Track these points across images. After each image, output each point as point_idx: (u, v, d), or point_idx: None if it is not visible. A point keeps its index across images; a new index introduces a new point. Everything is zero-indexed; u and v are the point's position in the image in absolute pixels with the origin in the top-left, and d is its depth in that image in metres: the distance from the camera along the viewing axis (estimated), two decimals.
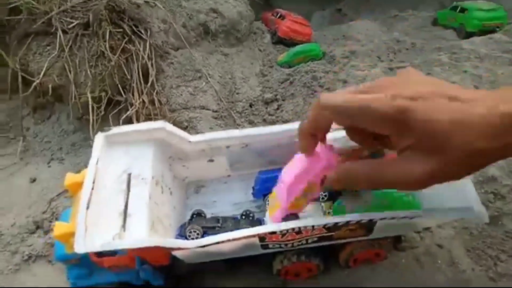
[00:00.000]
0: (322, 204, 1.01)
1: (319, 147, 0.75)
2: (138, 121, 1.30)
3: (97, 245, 0.73)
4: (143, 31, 1.45)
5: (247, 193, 1.07)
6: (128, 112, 1.31)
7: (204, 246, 0.78)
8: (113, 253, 0.86)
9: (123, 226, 0.81)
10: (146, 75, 1.41)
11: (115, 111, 1.35)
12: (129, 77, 1.38)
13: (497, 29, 2.83)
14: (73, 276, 0.95)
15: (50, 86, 1.38)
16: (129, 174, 0.90)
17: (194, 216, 1.02)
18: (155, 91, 1.41)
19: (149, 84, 1.39)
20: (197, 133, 1.02)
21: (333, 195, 0.99)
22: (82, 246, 0.73)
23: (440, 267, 1.03)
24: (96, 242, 0.75)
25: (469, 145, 0.41)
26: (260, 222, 0.98)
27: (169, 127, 0.95)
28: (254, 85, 1.66)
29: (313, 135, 0.55)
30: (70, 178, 0.90)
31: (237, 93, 1.60)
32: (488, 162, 0.44)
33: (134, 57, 1.39)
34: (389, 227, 0.89)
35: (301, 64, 1.69)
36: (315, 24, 2.24)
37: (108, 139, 0.93)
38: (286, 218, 0.84)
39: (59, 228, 0.82)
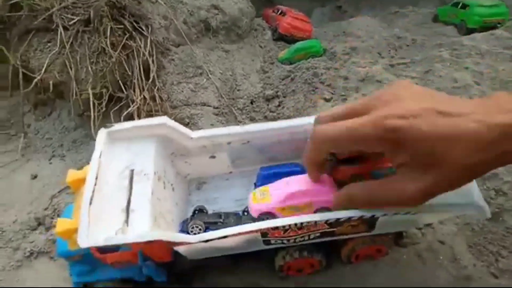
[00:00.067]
0: None
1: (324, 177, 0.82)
2: (139, 117, 1.30)
3: (100, 240, 0.73)
4: (144, 28, 1.45)
5: (248, 189, 1.07)
6: (129, 109, 1.31)
7: (207, 240, 0.78)
8: (115, 249, 0.86)
9: (126, 221, 0.81)
10: (147, 72, 1.41)
11: (116, 107, 1.34)
12: (130, 73, 1.37)
13: (499, 25, 2.83)
14: (75, 272, 0.95)
15: (51, 82, 1.37)
16: (132, 170, 0.90)
17: (196, 212, 1.02)
18: (156, 87, 1.40)
19: (150, 80, 1.39)
20: (198, 129, 1.02)
21: None
22: (85, 240, 0.73)
23: (442, 263, 1.03)
24: (99, 237, 0.75)
25: (464, 159, 0.41)
26: (262, 218, 0.98)
27: (171, 123, 0.95)
28: (255, 81, 1.66)
29: (319, 165, 0.59)
30: (72, 174, 0.91)
31: (238, 90, 1.60)
32: (487, 170, 0.44)
33: (135, 53, 1.39)
34: (391, 223, 0.89)
35: (302, 60, 1.69)
36: (315, 20, 2.23)
37: (110, 135, 0.93)
38: (263, 216, 0.86)
39: (61, 224, 0.82)
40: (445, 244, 1.07)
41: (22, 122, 1.49)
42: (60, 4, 1.41)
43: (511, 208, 1.11)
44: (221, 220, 0.96)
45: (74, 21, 1.40)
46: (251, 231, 0.80)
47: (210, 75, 1.54)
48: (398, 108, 0.44)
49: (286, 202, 0.87)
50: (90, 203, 0.78)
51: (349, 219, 0.82)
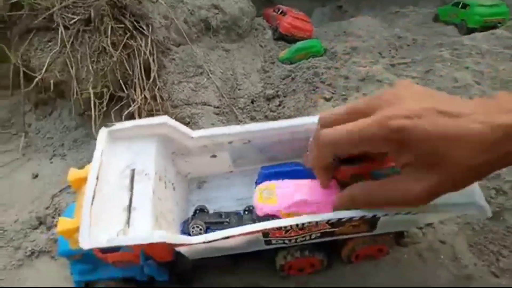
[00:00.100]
0: None
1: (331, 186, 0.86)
2: (140, 117, 1.30)
3: (102, 241, 0.73)
4: (144, 27, 1.45)
5: (249, 188, 1.07)
6: (130, 108, 1.31)
7: (208, 241, 0.78)
8: (117, 249, 0.86)
9: (128, 221, 0.81)
10: (147, 71, 1.41)
11: (117, 107, 1.34)
12: (131, 72, 1.37)
13: (499, 25, 2.82)
14: (76, 271, 0.95)
15: (51, 82, 1.37)
16: (133, 170, 0.90)
17: (197, 212, 1.02)
18: (157, 87, 1.40)
19: (151, 80, 1.39)
20: (199, 129, 1.02)
21: None
22: (87, 242, 0.73)
23: (443, 262, 1.03)
24: (101, 237, 0.75)
25: (468, 160, 0.41)
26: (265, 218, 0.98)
27: (172, 122, 0.95)
28: (256, 81, 1.66)
29: (326, 169, 0.59)
30: (73, 173, 0.90)
31: (239, 89, 1.60)
32: (491, 171, 0.44)
33: (136, 53, 1.39)
34: (392, 223, 0.89)
35: (302, 60, 1.69)
36: (316, 20, 2.23)
37: (111, 134, 0.93)
38: (265, 217, 0.87)
39: (62, 223, 0.82)
40: (446, 244, 1.07)
41: (23, 122, 1.49)
42: (60, 3, 1.41)
43: (511, 207, 1.11)
44: (222, 220, 0.96)
45: (74, 20, 1.40)
46: (253, 232, 0.80)
47: (210, 75, 1.54)
48: (401, 108, 0.44)
49: (291, 209, 0.87)
50: (92, 203, 0.78)
51: (350, 219, 0.82)
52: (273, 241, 0.88)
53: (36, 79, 1.37)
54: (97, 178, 0.82)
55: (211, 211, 1.03)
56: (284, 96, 1.55)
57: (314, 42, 1.83)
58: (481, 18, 3.43)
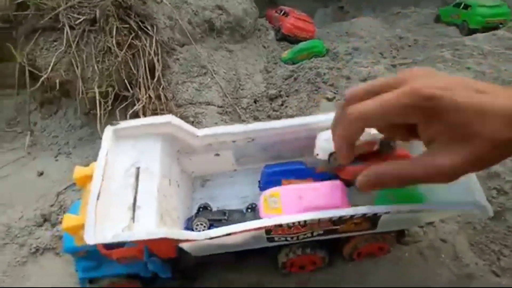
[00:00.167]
0: None
1: (336, 187, 0.90)
2: (144, 116, 1.31)
3: (107, 237, 0.74)
4: (149, 27, 1.46)
5: (252, 187, 1.08)
6: (135, 107, 1.32)
7: (211, 238, 0.79)
8: (121, 245, 0.87)
9: (133, 218, 0.82)
10: (152, 71, 1.42)
11: (122, 106, 1.36)
12: (135, 72, 1.39)
13: (501, 25, 2.83)
14: (81, 268, 0.96)
15: (57, 81, 1.39)
16: (138, 168, 0.91)
17: (201, 209, 1.03)
18: (161, 86, 1.42)
19: (155, 79, 1.41)
20: (203, 128, 1.03)
21: None
22: (92, 237, 0.74)
23: (444, 261, 1.04)
24: (106, 234, 0.76)
25: (497, 134, 0.41)
26: None
27: (177, 121, 0.96)
28: (259, 81, 1.67)
29: (351, 144, 0.56)
30: (79, 171, 0.92)
31: (242, 89, 1.61)
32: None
33: (141, 52, 1.40)
34: (393, 221, 0.90)
35: (304, 60, 1.70)
36: (318, 21, 2.24)
37: (116, 133, 0.94)
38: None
39: (68, 220, 0.83)
40: (447, 243, 1.08)
41: (29, 120, 1.51)
42: (66, 3, 1.42)
43: None
44: (225, 217, 0.97)
45: (80, 20, 1.41)
46: (256, 229, 0.81)
47: (214, 75, 1.55)
48: (431, 81, 0.44)
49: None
50: (97, 200, 0.79)
51: (352, 217, 0.83)
52: (276, 238, 0.89)
53: (42, 79, 1.38)
54: (102, 176, 0.83)
55: (214, 209, 1.04)
56: (287, 96, 1.56)
57: (316, 43, 1.84)
58: (483, 19, 3.43)
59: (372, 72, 1.56)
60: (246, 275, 1.04)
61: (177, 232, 0.82)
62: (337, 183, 0.93)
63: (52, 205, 1.24)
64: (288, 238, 0.89)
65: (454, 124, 0.42)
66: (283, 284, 1.02)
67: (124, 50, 1.36)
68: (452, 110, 0.42)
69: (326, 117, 1.00)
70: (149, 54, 1.41)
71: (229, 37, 1.77)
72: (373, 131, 0.98)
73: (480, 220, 1.12)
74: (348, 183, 0.99)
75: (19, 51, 1.44)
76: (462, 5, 3.80)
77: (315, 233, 0.90)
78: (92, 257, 0.93)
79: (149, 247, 0.89)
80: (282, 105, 1.54)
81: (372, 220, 0.88)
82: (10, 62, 1.50)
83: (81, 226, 0.78)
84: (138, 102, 1.33)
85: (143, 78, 1.38)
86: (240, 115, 1.50)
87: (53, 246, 1.15)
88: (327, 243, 0.96)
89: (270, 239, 0.90)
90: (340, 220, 0.84)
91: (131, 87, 1.37)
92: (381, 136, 0.99)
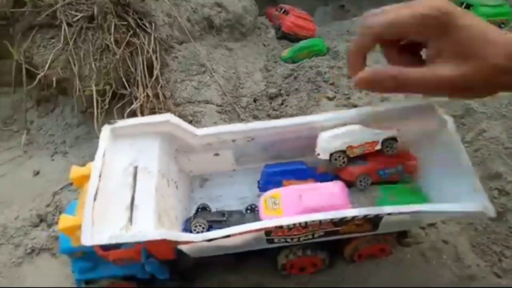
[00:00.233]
0: None
1: (337, 187, 0.89)
2: (142, 114, 1.29)
3: (104, 238, 0.73)
4: (147, 25, 1.44)
5: (252, 187, 1.07)
6: (132, 106, 1.30)
7: (210, 239, 0.78)
8: (118, 246, 0.86)
9: (130, 219, 0.81)
10: (150, 69, 1.41)
11: (120, 104, 1.34)
12: (133, 70, 1.37)
13: (502, 25, 2.81)
14: (77, 269, 0.95)
15: (54, 79, 1.37)
16: (135, 167, 0.90)
17: (199, 210, 1.02)
18: (160, 85, 1.40)
19: (153, 78, 1.39)
20: (202, 127, 1.02)
21: None
22: (89, 238, 0.73)
23: (446, 262, 1.03)
24: (103, 235, 0.75)
25: (497, 60, 0.45)
26: None
27: (175, 120, 0.95)
28: (258, 80, 1.65)
29: (361, 55, 0.58)
30: (76, 171, 0.90)
31: (241, 88, 1.59)
32: (507, 85, 0.47)
33: (139, 50, 1.39)
34: (395, 222, 0.89)
35: (305, 59, 1.68)
36: (318, 19, 2.22)
37: (114, 131, 0.93)
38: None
39: (64, 221, 0.82)
40: (449, 244, 1.07)
41: (25, 119, 1.49)
42: (64, 0, 1.40)
43: None
44: (225, 218, 0.96)
45: (78, 17, 1.39)
46: (255, 230, 0.80)
47: (213, 73, 1.54)
48: (447, 2, 0.48)
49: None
50: (94, 200, 0.78)
51: (353, 218, 0.82)
52: (276, 240, 0.88)
53: (39, 76, 1.36)
54: (99, 176, 0.82)
55: (213, 210, 1.02)
56: (287, 95, 1.55)
57: (316, 41, 1.82)
58: (485, 18, 3.42)
59: None
60: (246, 276, 1.03)
61: (175, 234, 0.80)
62: (338, 183, 0.93)
63: (48, 205, 1.23)
64: (288, 240, 0.88)
65: (461, 42, 0.46)
66: (283, 286, 1.01)
67: (122, 48, 1.34)
68: (462, 29, 0.46)
69: (327, 116, 0.99)
70: (147, 52, 1.39)
71: (229, 35, 1.75)
72: (375, 130, 0.98)
73: (482, 221, 1.11)
74: (350, 184, 0.98)
75: (16, 48, 1.42)
76: (464, 5, 3.78)
77: (316, 235, 0.88)
78: (89, 258, 0.92)
79: (147, 248, 0.88)
80: (282, 104, 1.52)
81: (374, 221, 0.86)
82: (7, 59, 1.48)
83: (78, 227, 0.77)
84: (136, 101, 1.32)
85: (141, 76, 1.36)
86: (240, 114, 1.48)
87: (49, 247, 1.14)
88: (328, 244, 0.95)
89: (270, 241, 0.89)
90: (342, 221, 0.83)
91: (128, 85, 1.35)
92: (383, 136, 0.98)
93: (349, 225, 0.86)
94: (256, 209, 0.99)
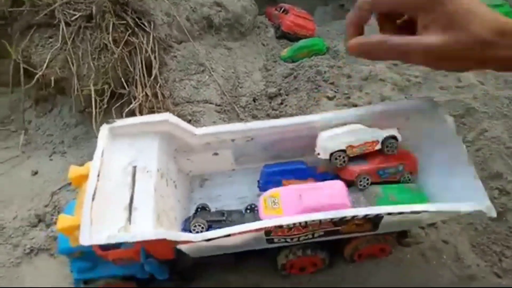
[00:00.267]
0: None
1: (337, 187, 0.88)
2: (141, 114, 1.28)
3: (103, 238, 0.73)
4: (146, 24, 1.43)
5: (252, 187, 1.06)
6: (131, 105, 1.30)
7: (210, 239, 0.77)
8: (117, 245, 0.85)
9: (129, 219, 0.80)
10: (149, 68, 1.40)
11: (118, 104, 1.33)
12: (132, 70, 1.36)
13: None
14: (76, 269, 0.94)
15: (52, 78, 1.36)
16: (134, 167, 0.90)
17: (199, 210, 1.01)
18: (158, 84, 1.39)
19: (152, 77, 1.38)
20: (201, 127, 1.01)
21: None
22: (87, 238, 0.72)
23: (446, 262, 1.03)
24: (102, 235, 0.74)
25: (481, 33, 0.47)
26: None
27: (174, 119, 0.95)
28: (258, 79, 1.64)
29: (357, 26, 0.61)
30: (74, 170, 0.90)
31: (241, 87, 1.58)
32: (495, 60, 0.49)
33: (137, 50, 1.38)
34: (395, 222, 0.89)
35: (305, 58, 1.68)
36: (318, 19, 2.21)
37: (112, 131, 0.92)
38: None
39: (63, 221, 0.81)
40: (449, 244, 1.07)
41: (23, 119, 1.48)
42: None
43: None
44: (224, 218, 0.96)
45: (76, 16, 1.38)
46: (255, 230, 0.80)
47: (212, 73, 1.53)
48: None
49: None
50: (93, 200, 0.77)
51: (353, 217, 0.82)
52: (275, 240, 0.88)
53: (37, 76, 1.35)
54: (98, 175, 0.81)
55: (212, 209, 1.02)
56: (286, 95, 1.54)
57: (316, 41, 1.82)
58: None
59: (373, 71, 1.54)
60: (245, 276, 1.02)
61: (175, 233, 0.80)
62: (338, 183, 0.92)
63: (46, 205, 1.22)
64: (288, 240, 0.88)
65: (448, 15, 0.48)
66: (283, 285, 1.01)
67: (120, 47, 1.34)
68: (451, 3, 0.48)
69: (327, 115, 0.99)
70: (146, 51, 1.38)
71: (228, 34, 1.74)
72: (375, 130, 0.97)
73: (482, 221, 1.11)
74: (350, 183, 0.98)
75: (14, 47, 1.41)
76: None
77: (316, 235, 0.88)
78: (87, 258, 0.92)
79: (146, 248, 0.87)
80: (281, 103, 1.52)
81: (374, 221, 0.86)
82: (5, 59, 1.47)
83: (76, 227, 0.76)
84: (134, 100, 1.31)
85: (139, 75, 1.35)
86: (239, 113, 1.48)
87: (48, 247, 1.13)
88: (328, 244, 0.95)
89: (270, 241, 0.88)
90: (342, 221, 0.83)
91: (127, 85, 1.34)
92: (383, 135, 0.98)
93: (349, 225, 0.86)
94: (255, 209, 0.98)
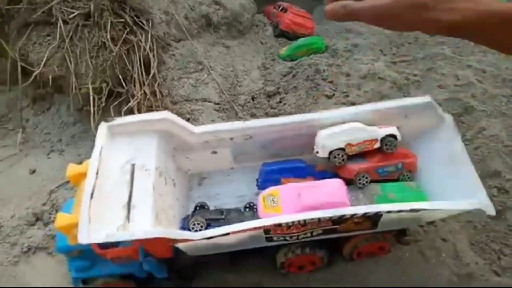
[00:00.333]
0: None
1: (336, 185, 0.89)
2: (139, 112, 1.27)
3: (101, 236, 0.72)
4: (144, 22, 1.42)
5: (250, 185, 1.06)
6: (129, 104, 1.29)
7: (209, 238, 0.77)
8: (116, 244, 0.85)
9: (128, 217, 0.80)
10: (147, 67, 1.39)
11: (116, 102, 1.32)
12: (130, 68, 1.35)
13: None
14: (74, 267, 0.94)
15: (50, 77, 1.35)
16: (133, 165, 0.89)
17: (197, 208, 1.01)
18: (157, 82, 1.39)
19: (150, 75, 1.37)
20: (200, 125, 1.01)
21: None
22: (86, 237, 0.72)
23: (444, 260, 1.03)
24: (100, 233, 0.74)
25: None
26: None
27: (173, 117, 0.94)
28: (256, 78, 1.64)
29: None
30: (72, 168, 0.89)
31: (239, 86, 1.58)
32: (425, 21, 0.51)
33: (136, 48, 1.37)
34: (394, 220, 0.89)
35: (303, 57, 1.67)
36: (317, 17, 2.20)
37: (111, 129, 0.92)
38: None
39: (61, 219, 0.81)
40: (448, 242, 1.07)
41: (21, 117, 1.47)
42: None
43: None
44: (223, 216, 0.95)
45: (74, 14, 1.37)
46: (254, 228, 0.79)
47: (211, 71, 1.53)
48: None
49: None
50: (91, 198, 0.77)
51: (352, 216, 0.82)
52: (274, 238, 0.88)
53: (34, 74, 1.35)
54: (97, 173, 0.81)
55: (211, 208, 1.01)
56: (285, 93, 1.54)
57: (315, 39, 1.81)
58: None
59: (372, 69, 1.54)
60: (244, 275, 1.02)
61: (174, 232, 0.80)
62: (337, 181, 0.92)
63: (44, 204, 1.22)
64: (287, 238, 0.88)
65: None
66: (282, 284, 1.01)
67: (118, 45, 1.33)
68: None
69: (326, 114, 0.99)
70: (144, 49, 1.38)
71: (226, 32, 1.74)
72: (374, 128, 0.97)
73: (481, 219, 1.11)
74: (349, 182, 0.98)
75: (11, 46, 1.41)
76: None
77: (314, 233, 0.88)
78: (86, 256, 0.91)
79: (145, 247, 0.87)
80: (280, 102, 1.52)
81: (373, 219, 0.86)
82: (2, 57, 1.46)
83: (75, 225, 0.76)
84: (132, 99, 1.30)
85: (138, 74, 1.34)
86: (237, 112, 1.48)
87: (46, 246, 1.12)
88: (327, 242, 0.95)
89: (269, 239, 0.88)
90: (341, 219, 0.82)
91: (125, 83, 1.34)
92: (382, 134, 0.98)
93: (348, 223, 0.86)
94: (254, 207, 0.98)
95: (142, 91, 1.34)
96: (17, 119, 1.49)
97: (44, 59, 1.35)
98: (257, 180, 1.04)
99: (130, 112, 1.29)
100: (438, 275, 1.00)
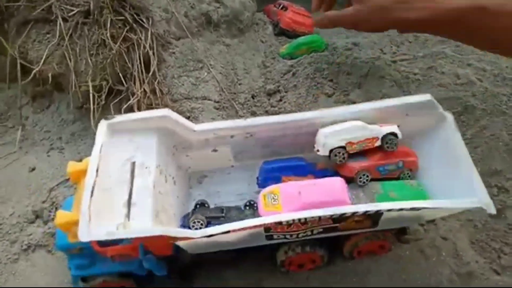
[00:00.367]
0: None
1: (336, 184, 0.90)
2: (139, 110, 1.27)
3: (102, 234, 0.72)
4: (144, 20, 1.42)
5: (250, 183, 1.06)
6: (129, 102, 1.29)
7: (209, 236, 0.77)
8: (116, 242, 0.85)
9: (128, 215, 0.80)
10: (147, 65, 1.39)
11: (116, 100, 1.32)
12: (130, 66, 1.35)
13: None
14: (74, 265, 0.94)
15: (49, 74, 1.35)
16: (133, 163, 0.89)
17: (197, 206, 1.01)
18: (157, 80, 1.38)
19: (150, 73, 1.37)
20: (200, 123, 1.01)
21: None
22: (86, 234, 0.72)
23: (445, 259, 1.03)
24: (101, 231, 0.74)
25: (382, 1, 0.61)
26: None
27: (174, 115, 0.94)
28: (256, 76, 1.63)
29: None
30: (72, 166, 0.90)
31: (239, 84, 1.58)
32: (392, 21, 0.68)
33: (136, 46, 1.37)
34: (395, 218, 0.89)
35: (303, 55, 1.67)
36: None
37: (111, 127, 0.92)
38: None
39: (61, 216, 0.81)
40: (448, 240, 1.07)
41: (20, 115, 1.47)
42: None
43: None
44: (223, 214, 0.95)
45: (73, 12, 1.37)
46: (255, 226, 0.79)
47: (211, 69, 1.52)
48: None
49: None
50: (91, 196, 0.77)
51: (353, 214, 0.82)
52: (275, 236, 0.88)
53: (34, 72, 1.34)
54: (97, 171, 0.81)
55: (211, 206, 1.02)
56: (285, 92, 1.53)
57: (315, 38, 1.80)
58: None
59: (372, 68, 1.53)
60: (244, 273, 1.02)
61: (175, 230, 0.80)
62: (338, 179, 0.92)
63: (44, 201, 1.22)
64: (288, 236, 0.88)
65: None
66: (282, 283, 1.01)
67: (118, 43, 1.32)
68: None
69: (327, 112, 0.99)
70: (144, 47, 1.37)
71: (226, 31, 1.73)
72: (374, 126, 0.97)
73: (481, 217, 1.11)
74: (349, 180, 0.98)
75: (10, 43, 1.40)
76: None
77: (314, 231, 0.88)
78: (86, 254, 0.91)
79: (145, 244, 0.87)
80: (280, 100, 1.51)
81: (374, 217, 0.86)
82: (1, 55, 1.46)
83: (75, 223, 0.76)
84: (132, 97, 1.30)
85: (138, 72, 1.34)
86: (238, 110, 1.47)
87: (45, 243, 1.12)
88: (327, 241, 0.95)
89: (269, 237, 0.88)
90: (341, 217, 0.83)
91: (125, 81, 1.33)
92: (383, 132, 0.98)
93: (349, 222, 0.86)
94: (254, 205, 0.98)
95: (142, 89, 1.34)
96: (16, 116, 1.49)
97: (44, 56, 1.35)
98: (257, 178, 1.04)
99: (130, 110, 1.29)
100: (439, 274, 1.01)
